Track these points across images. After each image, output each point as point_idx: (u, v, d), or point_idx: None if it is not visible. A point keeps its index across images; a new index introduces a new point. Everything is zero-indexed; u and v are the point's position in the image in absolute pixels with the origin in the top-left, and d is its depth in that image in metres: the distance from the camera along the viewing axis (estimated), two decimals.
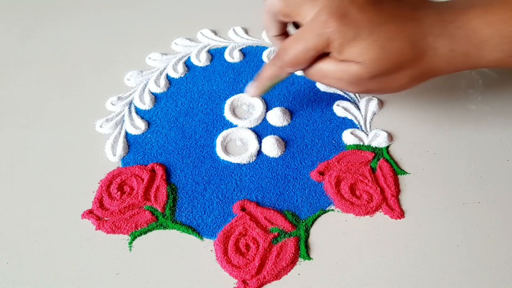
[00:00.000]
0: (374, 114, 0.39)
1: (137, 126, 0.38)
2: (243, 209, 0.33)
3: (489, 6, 0.29)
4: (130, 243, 0.31)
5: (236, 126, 0.38)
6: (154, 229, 0.32)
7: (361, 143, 0.36)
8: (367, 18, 0.28)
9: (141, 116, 0.39)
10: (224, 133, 0.37)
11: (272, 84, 0.34)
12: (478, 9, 0.29)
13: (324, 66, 0.31)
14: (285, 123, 0.38)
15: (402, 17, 0.29)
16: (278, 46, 0.35)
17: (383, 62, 0.28)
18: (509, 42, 0.28)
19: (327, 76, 0.31)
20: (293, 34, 0.31)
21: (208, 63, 0.43)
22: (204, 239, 0.31)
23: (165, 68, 0.43)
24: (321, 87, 0.39)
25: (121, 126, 0.38)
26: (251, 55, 0.44)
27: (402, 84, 0.30)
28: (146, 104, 0.39)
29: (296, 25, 0.35)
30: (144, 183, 0.34)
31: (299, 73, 0.41)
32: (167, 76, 0.42)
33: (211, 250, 0.31)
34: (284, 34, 0.35)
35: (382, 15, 0.28)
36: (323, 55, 0.31)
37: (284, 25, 0.34)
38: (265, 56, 0.44)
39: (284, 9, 0.31)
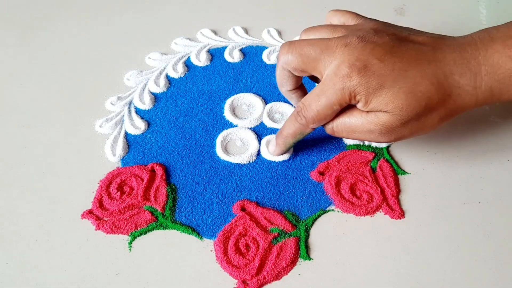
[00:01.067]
0: None
1: (137, 126, 0.38)
2: (243, 209, 0.33)
3: (509, 40, 0.28)
4: (130, 243, 0.31)
5: (236, 126, 0.38)
6: (154, 229, 0.32)
7: (361, 143, 0.36)
8: (389, 66, 0.28)
9: (141, 116, 0.39)
10: (224, 133, 0.37)
11: (295, 140, 0.33)
12: (498, 44, 0.29)
13: (351, 120, 0.30)
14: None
15: (423, 60, 0.29)
16: (294, 100, 0.35)
17: (412, 108, 0.28)
18: None
19: (356, 130, 0.30)
20: (313, 90, 0.30)
21: (208, 63, 0.43)
22: (204, 239, 0.31)
23: (165, 68, 0.43)
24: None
25: (121, 126, 0.38)
26: (251, 55, 0.44)
27: (433, 125, 0.30)
28: (146, 104, 0.39)
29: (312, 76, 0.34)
30: (144, 183, 0.34)
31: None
32: (167, 76, 0.42)
33: (211, 250, 0.31)
34: (299, 87, 0.34)
35: (403, 61, 0.28)
36: (345, 109, 0.30)
37: (298, 79, 0.33)
38: (265, 56, 0.44)
39: (300, 65, 0.31)
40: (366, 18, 0.33)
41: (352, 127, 0.30)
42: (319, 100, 0.30)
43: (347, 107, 0.30)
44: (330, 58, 0.29)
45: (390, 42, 0.29)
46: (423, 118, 0.29)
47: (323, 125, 0.32)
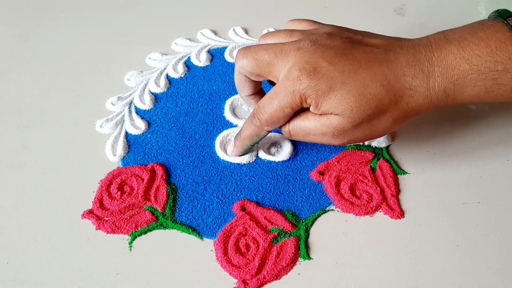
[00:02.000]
0: None
1: (137, 126, 0.38)
2: (243, 209, 0.33)
3: (464, 42, 0.28)
4: (130, 243, 0.31)
5: (236, 126, 0.38)
6: (154, 229, 0.32)
7: (361, 143, 0.36)
8: (339, 69, 0.28)
9: (141, 116, 0.39)
10: (224, 133, 0.37)
11: (252, 143, 0.34)
12: (453, 46, 0.28)
13: (305, 123, 0.30)
14: None
15: (374, 62, 0.28)
16: (253, 105, 0.35)
17: (362, 109, 0.28)
18: (486, 78, 0.28)
19: (310, 133, 0.30)
20: (268, 93, 0.30)
21: (208, 63, 0.43)
22: (204, 239, 0.31)
23: (165, 68, 0.43)
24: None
25: (121, 126, 0.38)
26: None
27: (386, 127, 0.30)
28: (146, 104, 0.39)
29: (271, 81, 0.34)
30: (144, 183, 0.34)
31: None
32: (167, 76, 0.42)
33: (211, 250, 0.31)
34: (258, 92, 0.34)
35: (354, 63, 0.28)
36: (300, 112, 0.30)
37: (257, 84, 0.34)
38: None
39: (255, 70, 0.31)
40: (323, 24, 0.33)
41: (307, 130, 0.30)
42: (271, 103, 0.30)
43: (303, 110, 0.30)
44: (284, 62, 0.29)
45: (342, 45, 0.29)
46: (375, 120, 0.29)
47: (280, 128, 0.32)
